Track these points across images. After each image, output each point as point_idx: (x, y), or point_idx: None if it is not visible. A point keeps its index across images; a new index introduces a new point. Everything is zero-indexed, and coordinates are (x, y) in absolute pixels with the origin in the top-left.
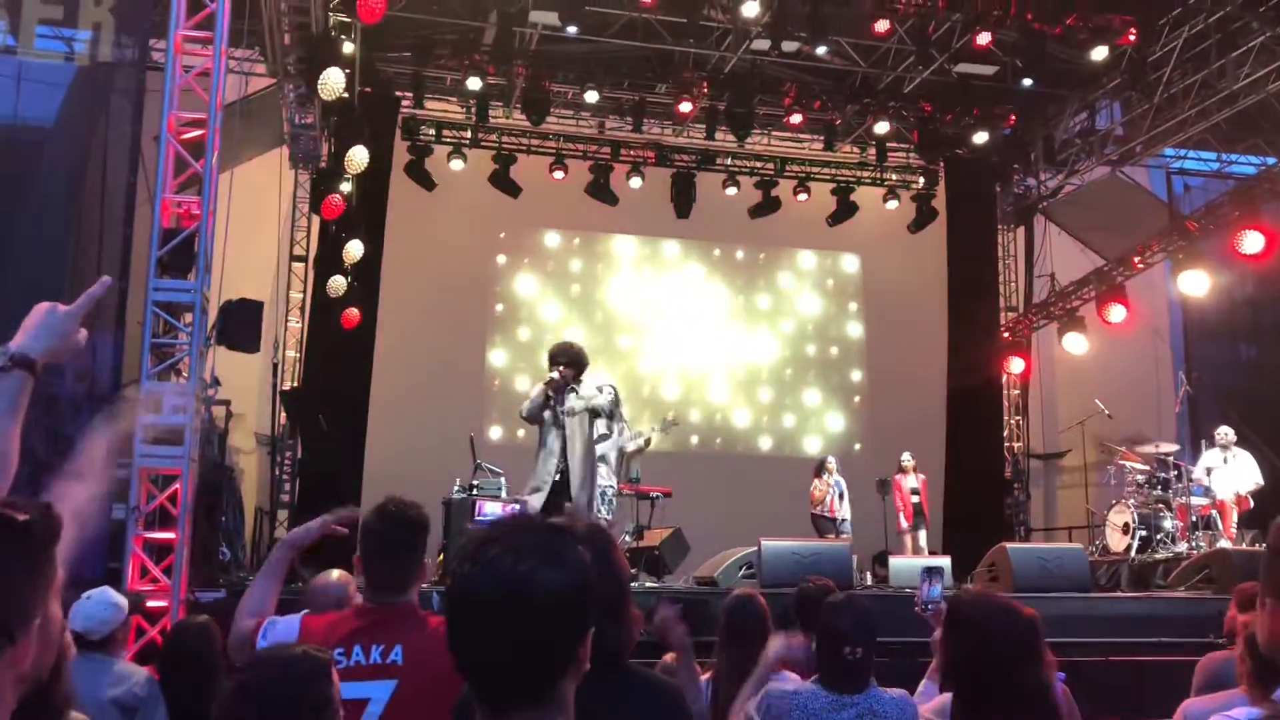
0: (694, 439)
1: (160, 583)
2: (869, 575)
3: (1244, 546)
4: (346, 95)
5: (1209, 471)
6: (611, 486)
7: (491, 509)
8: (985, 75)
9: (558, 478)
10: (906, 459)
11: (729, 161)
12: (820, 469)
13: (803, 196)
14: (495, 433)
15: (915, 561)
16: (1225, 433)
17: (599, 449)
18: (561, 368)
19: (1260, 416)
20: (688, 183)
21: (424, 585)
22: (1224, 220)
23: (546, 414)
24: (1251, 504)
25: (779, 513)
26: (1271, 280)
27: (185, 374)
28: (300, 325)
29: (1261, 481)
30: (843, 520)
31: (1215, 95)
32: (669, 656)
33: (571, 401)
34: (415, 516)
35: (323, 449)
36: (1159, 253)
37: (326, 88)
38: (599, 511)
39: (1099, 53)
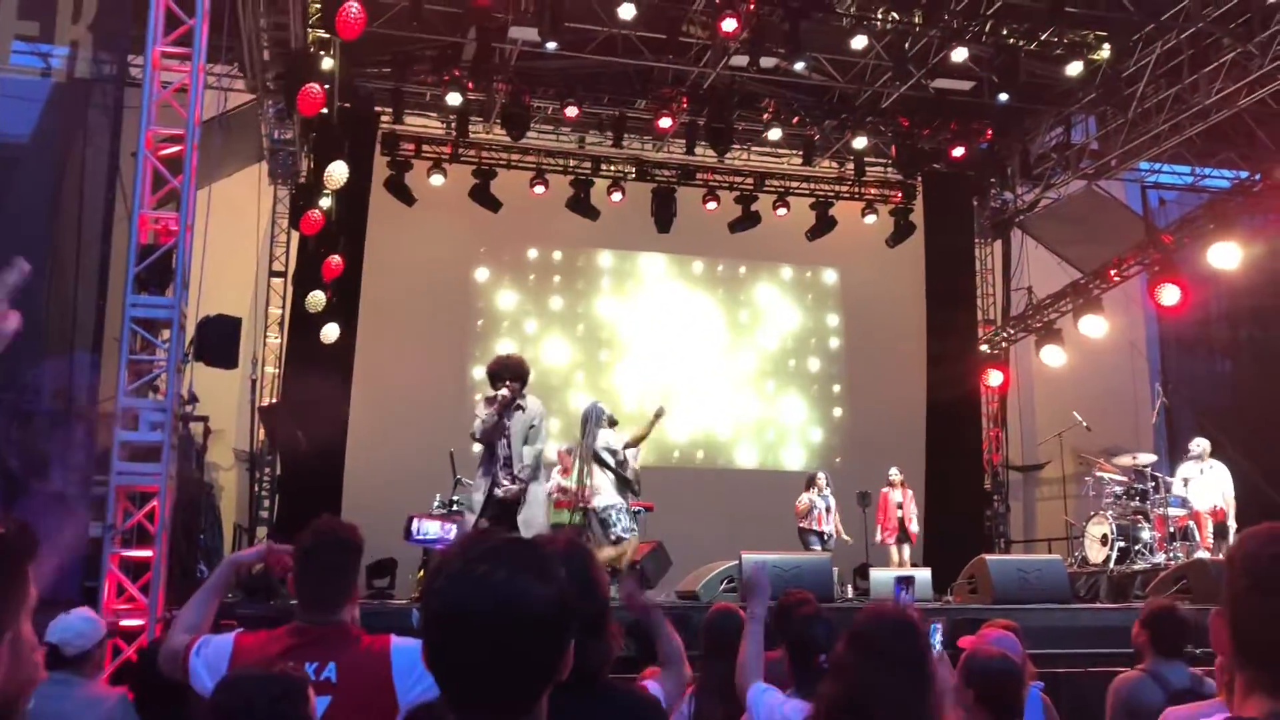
0: (676, 453)
1: (137, 601)
2: (850, 588)
3: (1220, 557)
4: (326, 110)
5: (1186, 483)
6: (614, 506)
7: (429, 527)
8: (962, 91)
9: (500, 492)
10: (894, 474)
11: (709, 176)
12: (810, 483)
13: (782, 211)
14: (476, 448)
15: (896, 574)
16: (1200, 444)
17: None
18: (508, 383)
19: (1236, 428)
20: (668, 198)
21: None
22: (1199, 233)
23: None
24: (1228, 514)
25: (761, 526)
26: (1246, 293)
27: (163, 390)
28: (279, 341)
29: (1231, 494)
30: (828, 535)
31: (1188, 110)
32: (649, 671)
33: (519, 417)
34: (347, 537)
35: (302, 465)
36: (1135, 266)
37: (305, 103)
38: (615, 532)
39: (1074, 68)
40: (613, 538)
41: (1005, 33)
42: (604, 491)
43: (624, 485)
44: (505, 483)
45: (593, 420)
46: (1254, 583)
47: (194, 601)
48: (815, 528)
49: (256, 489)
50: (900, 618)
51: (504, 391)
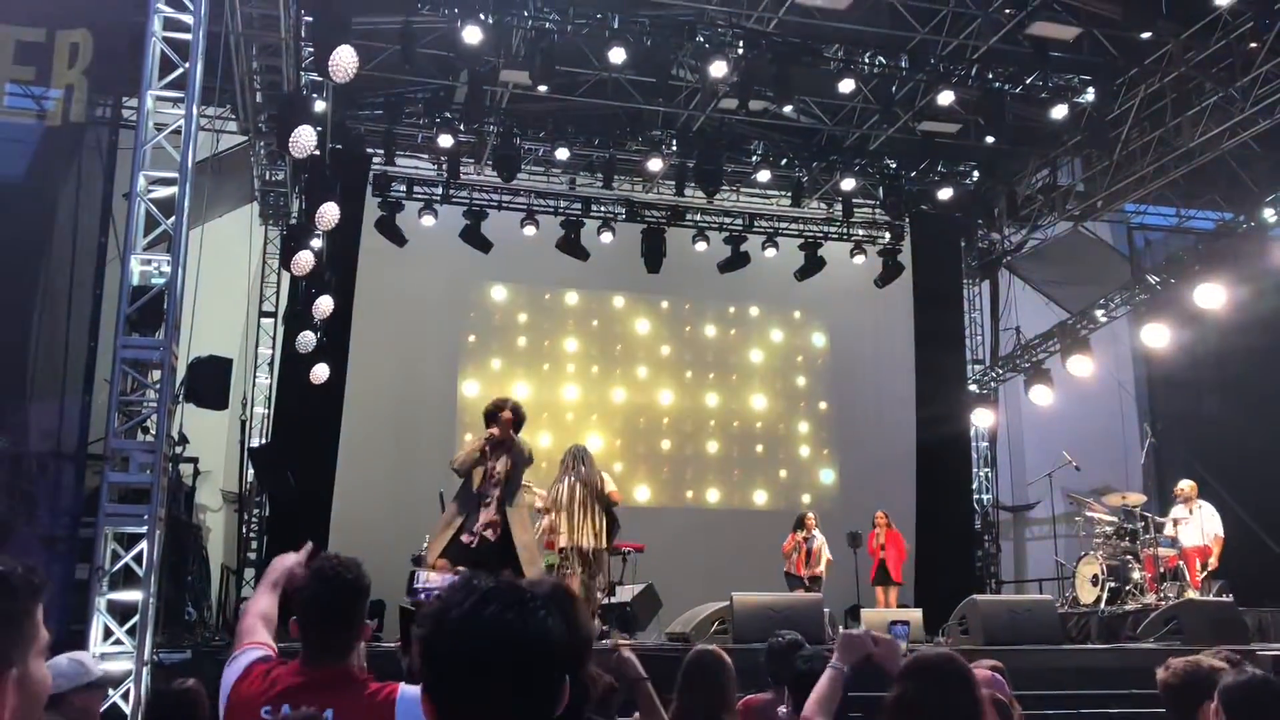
0: (667, 493)
1: (124, 644)
2: (841, 629)
3: (1210, 597)
4: (317, 152)
5: (1175, 523)
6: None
7: (433, 578)
8: (949, 133)
9: (488, 532)
10: (878, 515)
11: (698, 217)
12: (799, 524)
13: (771, 252)
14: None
15: (887, 614)
16: (1187, 485)
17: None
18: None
19: (1224, 468)
20: (658, 238)
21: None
22: (1184, 274)
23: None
24: (1216, 554)
25: (753, 567)
26: (1232, 332)
27: (152, 432)
28: (269, 381)
29: (1220, 534)
30: (810, 578)
31: (1172, 152)
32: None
33: (504, 459)
34: (353, 580)
35: (290, 506)
36: (1121, 306)
37: (297, 145)
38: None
39: (1059, 111)
40: (601, 585)
41: (991, 76)
42: (601, 536)
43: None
44: (474, 529)
45: (591, 461)
46: None
47: (263, 592)
48: (795, 572)
49: (245, 530)
50: (952, 660)
51: (494, 430)
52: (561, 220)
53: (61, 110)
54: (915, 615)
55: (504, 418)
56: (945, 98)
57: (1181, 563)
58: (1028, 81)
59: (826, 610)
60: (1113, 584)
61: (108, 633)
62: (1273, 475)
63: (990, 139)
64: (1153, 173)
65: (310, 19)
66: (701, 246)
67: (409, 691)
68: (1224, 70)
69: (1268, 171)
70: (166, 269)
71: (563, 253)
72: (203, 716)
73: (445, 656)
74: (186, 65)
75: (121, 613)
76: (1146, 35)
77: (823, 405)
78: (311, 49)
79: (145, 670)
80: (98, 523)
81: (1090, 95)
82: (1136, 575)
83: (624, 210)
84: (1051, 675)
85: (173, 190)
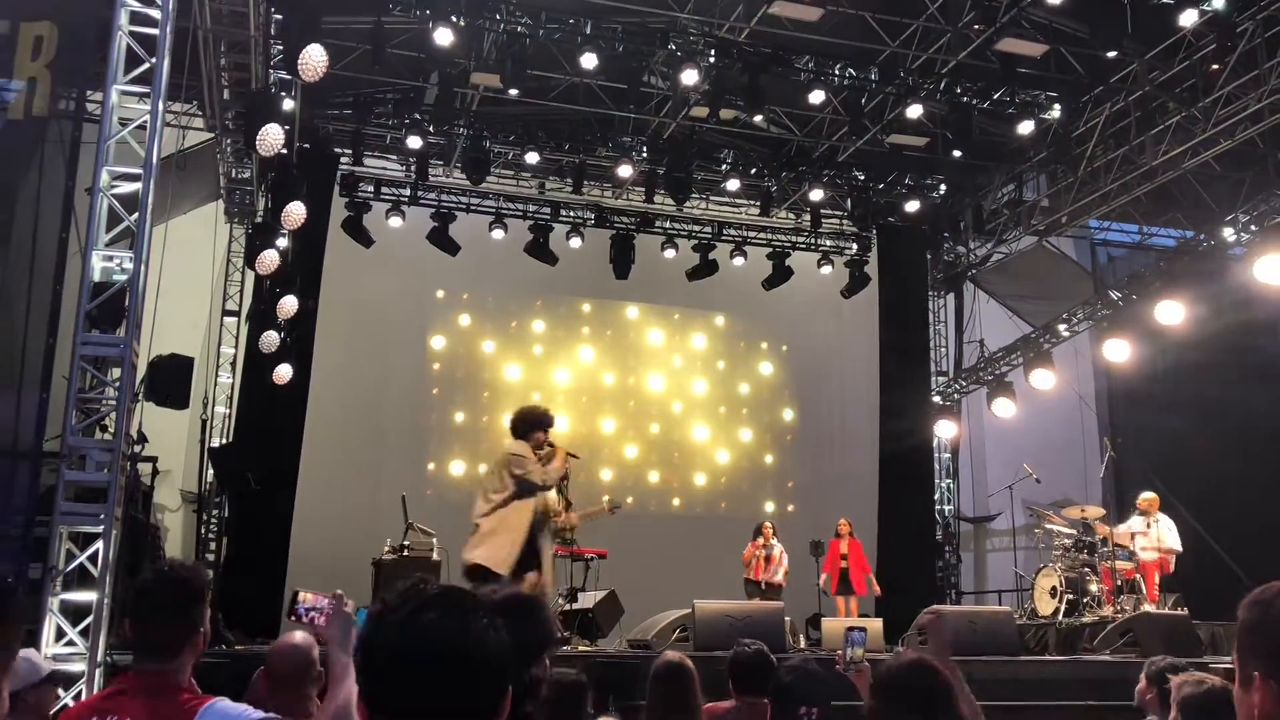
0: (630, 499)
1: (77, 646)
2: (802, 638)
3: (1165, 610)
4: (285, 151)
5: (1133, 536)
6: None
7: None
8: (916, 146)
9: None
10: (842, 523)
11: (667, 224)
12: (756, 533)
13: (739, 260)
14: (429, 493)
15: (847, 623)
16: (1147, 498)
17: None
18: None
19: (1182, 482)
20: (627, 244)
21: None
22: (1145, 290)
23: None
24: (1172, 567)
25: (716, 575)
26: (1191, 348)
27: (111, 430)
28: (231, 381)
29: (1178, 548)
30: (767, 585)
31: (1136, 170)
32: None
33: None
34: (189, 579)
35: (251, 507)
36: (1084, 321)
37: (265, 143)
38: None
39: (1025, 127)
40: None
41: (959, 91)
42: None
43: None
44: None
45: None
46: None
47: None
48: (753, 578)
49: (204, 531)
50: (920, 662)
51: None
52: (530, 224)
53: (24, 103)
54: (875, 625)
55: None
56: (914, 111)
57: (1139, 575)
58: (995, 97)
59: (788, 619)
60: (1070, 596)
61: (60, 633)
62: (1228, 490)
63: (957, 153)
64: (1116, 190)
65: (280, 16)
66: (670, 254)
67: (224, 706)
68: (1187, 90)
69: (1228, 191)
70: (129, 265)
71: (531, 257)
72: None
73: (380, 660)
74: (153, 60)
75: (75, 613)
76: (1112, 54)
77: (787, 414)
78: (281, 47)
79: (98, 672)
80: (52, 521)
81: (1056, 112)
82: (1094, 588)
83: (593, 216)
84: (1009, 686)
85: (136, 186)
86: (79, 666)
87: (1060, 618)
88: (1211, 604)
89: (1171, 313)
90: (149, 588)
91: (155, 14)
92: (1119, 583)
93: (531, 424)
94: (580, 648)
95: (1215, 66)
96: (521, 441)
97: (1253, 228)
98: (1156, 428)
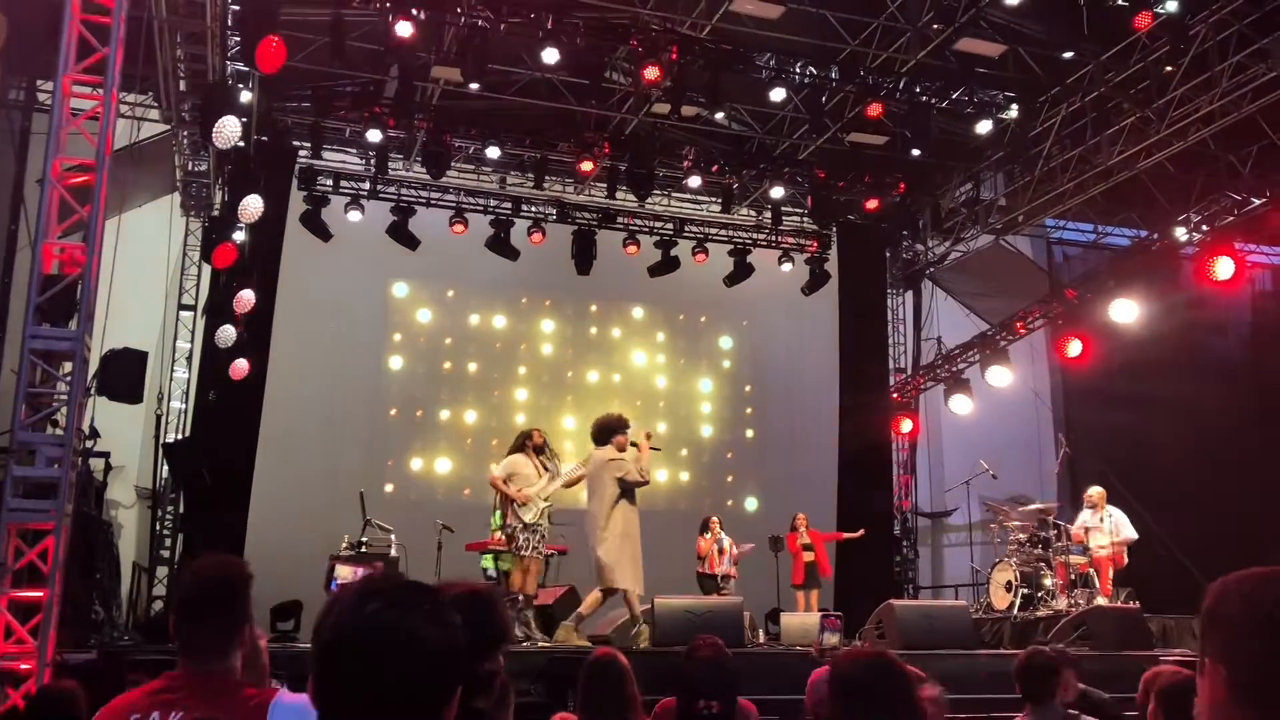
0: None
1: (26, 644)
2: (761, 632)
3: (1118, 604)
4: (242, 144)
5: (1086, 530)
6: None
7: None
8: (876, 145)
9: None
10: (800, 518)
11: (629, 220)
12: (704, 527)
13: (701, 257)
14: (388, 488)
15: (807, 618)
16: (1096, 492)
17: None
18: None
19: (1134, 477)
20: (588, 240)
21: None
22: (1100, 289)
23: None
24: (1125, 560)
25: (676, 570)
26: (1144, 346)
27: (62, 425)
28: (186, 375)
29: (1135, 536)
30: (724, 577)
31: (1091, 170)
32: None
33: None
34: (233, 575)
35: (206, 503)
36: (1040, 319)
37: (221, 136)
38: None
39: (983, 126)
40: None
41: (918, 90)
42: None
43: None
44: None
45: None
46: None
47: None
48: (709, 571)
49: (158, 528)
50: (880, 658)
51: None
52: (491, 219)
53: None
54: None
55: None
56: (874, 110)
57: (1092, 570)
58: (954, 96)
59: (747, 614)
60: (1025, 590)
61: (9, 631)
62: (1181, 486)
63: (916, 152)
64: (1072, 189)
65: (236, 7)
66: (632, 250)
67: (289, 699)
68: (1141, 92)
69: (1180, 191)
70: (81, 258)
71: (492, 252)
72: (82, 717)
73: (322, 649)
74: (106, 50)
75: (24, 611)
76: (1069, 55)
77: (748, 410)
78: (238, 38)
79: (48, 671)
80: (0, 518)
81: (1014, 112)
82: (1049, 582)
83: (555, 211)
84: (965, 679)
85: (89, 177)
86: (28, 665)
87: (1015, 612)
88: (1163, 598)
89: (1125, 311)
90: (192, 588)
91: (109, 3)
92: (1073, 577)
93: (611, 430)
94: (540, 644)
95: (1169, 68)
96: (609, 447)
97: (1204, 228)
98: (1110, 424)
